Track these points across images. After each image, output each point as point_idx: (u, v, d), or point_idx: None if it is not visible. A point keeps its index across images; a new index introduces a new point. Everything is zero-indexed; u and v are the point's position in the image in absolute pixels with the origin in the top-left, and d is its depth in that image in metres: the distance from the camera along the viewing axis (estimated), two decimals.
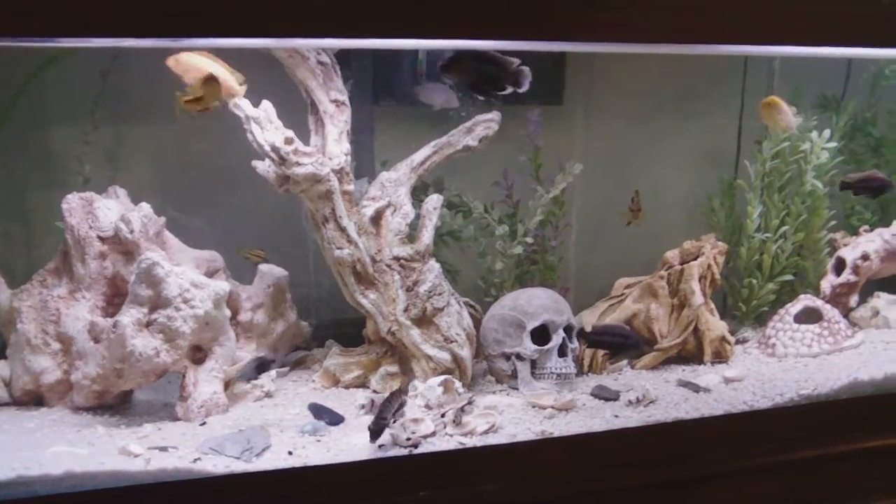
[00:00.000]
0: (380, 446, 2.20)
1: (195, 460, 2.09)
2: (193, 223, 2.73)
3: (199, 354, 2.45)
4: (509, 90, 2.31)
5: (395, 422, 2.23)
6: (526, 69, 2.29)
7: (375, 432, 2.17)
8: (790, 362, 2.93)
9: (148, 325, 2.33)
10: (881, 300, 3.31)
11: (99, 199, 2.52)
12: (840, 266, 3.31)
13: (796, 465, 2.57)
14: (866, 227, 3.41)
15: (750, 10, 2.21)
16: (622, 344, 2.83)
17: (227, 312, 2.48)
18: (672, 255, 3.00)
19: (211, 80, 2.31)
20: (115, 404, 2.47)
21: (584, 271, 3.25)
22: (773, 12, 2.23)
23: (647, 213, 3.30)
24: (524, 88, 2.30)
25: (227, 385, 2.50)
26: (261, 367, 2.49)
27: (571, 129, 3.20)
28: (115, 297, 2.49)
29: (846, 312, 3.28)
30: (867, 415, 2.67)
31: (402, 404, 2.28)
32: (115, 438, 2.23)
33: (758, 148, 3.24)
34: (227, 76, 2.38)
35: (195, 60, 2.34)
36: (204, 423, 2.35)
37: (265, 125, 2.42)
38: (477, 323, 2.77)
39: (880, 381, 2.70)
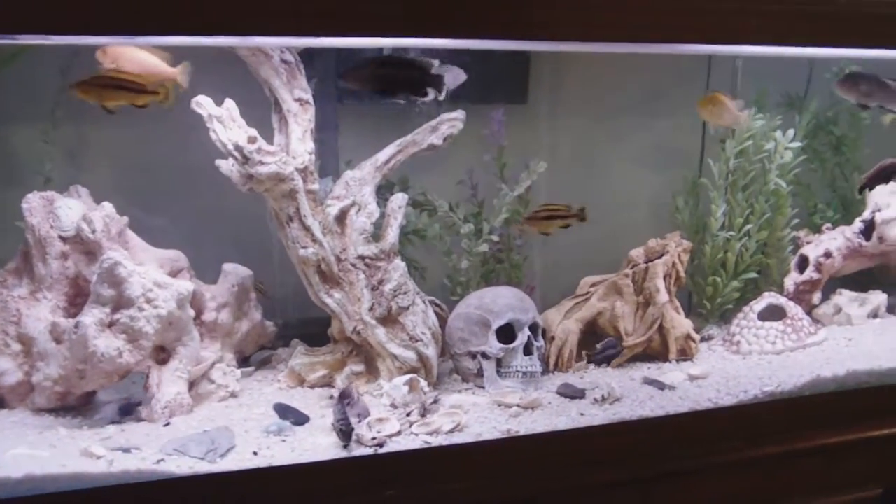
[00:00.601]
0: (344, 446, 2.20)
1: (159, 461, 2.08)
2: (157, 223, 2.71)
3: (162, 355, 2.43)
4: (432, 95, 2.27)
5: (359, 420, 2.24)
6: (450, 72, 2.25)
7: (346, 434, 2.19)
8: (754, 359, 2.95)
9: (110, 325, 2.31)
10: (843, 297, 3.34)
11: (60, 198, 2.49)
12: (803, 264, 3.34)
13: (761, 462, 2.59)
14: (829, 225, 3.45)
15: (715, 9, 2.23)
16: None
17: (191, 312, 2.47)
18: (637, 253, 3.00)
19: None
20: (77, 405, 2.44)
21: (549, 270, 3.25)
22: (738, 12, 2.25)
23: (614, 211, 3.31)
24: (452, 88, 2.25)
25: (192, 385, 2.48)
26: (125, 409, 2.42)
27: (536, 127, 3.20)
28: (78, 298, 2.47)
29: (809, 310, 3.31)
30: (830, 411, 2.70)
31: (349, 402, 2.30)
32: (77, 440, 2.20)
33: (721, 147, 3.26)
34: (158, 63, 2.36)
35: (124, 50, 2.31)
36: (168, 424, 2.33)
37: (228, 124, 2.41)
38: (443, 322, 2.77)
39: (842, 377, 2.74)
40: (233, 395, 2.56)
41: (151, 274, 2.39)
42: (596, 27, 2.16)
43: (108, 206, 2.47)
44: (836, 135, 3.58)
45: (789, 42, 2.38)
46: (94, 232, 2.41)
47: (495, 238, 2.97)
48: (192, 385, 2.48)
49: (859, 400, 2.74)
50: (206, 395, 2.52)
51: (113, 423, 2.34)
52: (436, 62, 2.24)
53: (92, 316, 2.29)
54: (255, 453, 2.16)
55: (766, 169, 3.25)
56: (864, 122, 3.56)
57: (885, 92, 2.73)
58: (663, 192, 3.41)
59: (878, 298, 3.34)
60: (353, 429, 2.20)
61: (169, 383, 2.39)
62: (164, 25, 1.88)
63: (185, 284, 2.44)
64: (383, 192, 2.78)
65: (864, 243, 3.33)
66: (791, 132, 3.23)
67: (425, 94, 2.26)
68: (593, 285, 3.01)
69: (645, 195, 3.44)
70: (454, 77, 2.53)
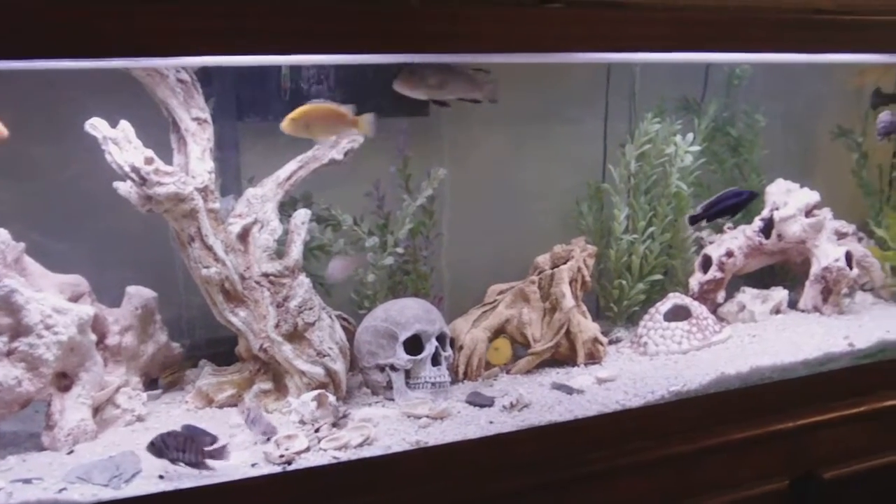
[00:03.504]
0: (253, 465, 2.20)
1: (61, 490, 2.05)
2: (58, 247, 2.66)
3: (65, 381, 2.39)
4: None
5: (176, 459, 2.17)
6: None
7: (155, 446, 2.15)
8: (661, 360, 3.00)
9: (9, 353, 2.27)
10: (746, 295, 3.41)
11: None
12: (706, 264, 3.41)
13: (670, 461, 2.64)
14: (730, 224, 3.52)
15: (611, 19, 2.27)
16: (738, 202, 3.10)
17: (93, 337, 2.43)
18: (543, 259, 3.03)
19: None
20: None
21: (458, 279, 3.26)
22: (637, 21, 2.30)
23: (520, 219, 3.33)
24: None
25: (96, 411, 2.45)
26: None
27: (439, 139, 3.22)
28: None
29: (714, 308, 3.38)
30: (735, 407, 2.76)
31: (198, 456, 2.18)
32: None
33: (621, 151, 3.31)
34: None
35: None
36: (72, 452, 2.30)
37: (124, 145, 2.37)
38: (351, 336, 2.76)
39: (746, 373, 2.80)
40: (139, 418, 2.52)
41: (50, 300, 2.35)
42: (491, 39, 2.18)
43: (2, 233, 2.42)
44: (733, 136, 3.65)
45: (685, 48, 2.44)
46: None
47: (400, 250, 2.97)
48: (96, 411, 2.44)
49: (763, 395, 2.80)
50: (111, 421, 2.48)
51: None
52: None
53: None
54: (161, 477, 2.13)
55: (668, 172, 3.31)
56: (760, 125, 3.63)
57: (460, 81, 2.60)
58: (569, 199, 3.44)
59: (780, 295, 3.42)
60: (162, 452, 2.15)
61: (72, 410, 2.35)
62: (58, 49, 1.86)
63: (86, 309, 2.41)
64: (286, 209, 2.76)
65: (765, 241, 3.41)
66: (690, 136, 3.29)
67: None
68: (501, 293, 3.03)
69: (551, 202, 3.47)
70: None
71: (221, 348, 2.80)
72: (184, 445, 2.15)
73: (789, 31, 2.51)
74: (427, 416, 2.48)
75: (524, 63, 3.16)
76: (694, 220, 3.18)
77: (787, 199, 3.43)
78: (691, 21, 2.37)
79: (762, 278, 3.59)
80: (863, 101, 3.74)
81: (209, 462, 2.18)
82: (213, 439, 2.23)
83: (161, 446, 2.14)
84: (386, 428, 2.43)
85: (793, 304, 3.46)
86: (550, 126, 3.45)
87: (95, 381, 2.42)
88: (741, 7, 2.43)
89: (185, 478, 2.13)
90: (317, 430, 2.36)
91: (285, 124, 2.51)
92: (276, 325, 2.56)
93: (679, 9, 2.33)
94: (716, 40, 2.44)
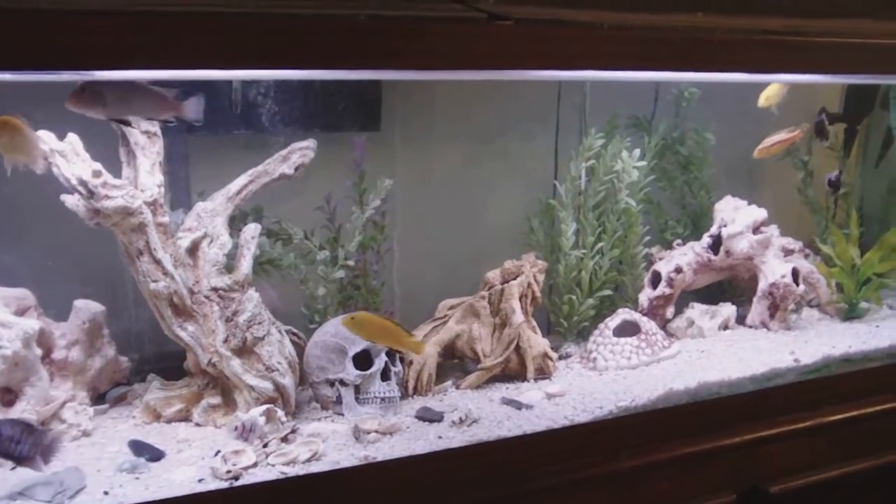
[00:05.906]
0: (199, 480, 2.18)
1: None
2: (3, 261, 2.63)
3: (8, 396, 2.37)
4: None
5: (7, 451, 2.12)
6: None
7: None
8: (610, 375, 3.01)
9: None
10: (695, 311, 3.44)
11: None
12: (656, 279, 3.43)
13: (618, 476, 2.65)
14: (679, 241, 3.55)
15: (562, 37, 2.28)
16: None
17: (38, 351, 2.41)
18: (493, 275, 3.04)
19: None
20: None
21: (409, 294, 3.26)
22: (577, 38, 2.31)
23: (471, 235, 3.34)
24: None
25: (42, 426, 2.42)
26: None
27: (391, 155, 3.21)
28: None
29: (663, 324, 3.40)
30: (683, 422, 2.78)
31: (33, 450, 2.13)
32: None
33: (567, 167, 3.32)
34: None
35: None
36: (15, 468, 2.26)
37: (71, 158, 2.36)
38: (301, 351, 2.76)
39: (694, 389, 2.83)
40: (85, 433, 2.49)
41: None
42: (441, 56, 2.19)
43: None
44: (683, 154, 3.69)
45: (634, 67, 2.46)
46: None
47: (351, 263, 2.97)
48: (42, 426, 2.42)
49: (711, 410, 2.83)
50: (56, 436, 2.45)
51: None
52: None
53: None
54: (105, 493, 2.12)
55: (617, 188, 3.33)
56: (709, 143, 3.67)
57: (146, 100, 2.34)
58: (520, 214, 3.45)
59: (728, 310, 3.46)
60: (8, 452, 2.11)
61: None
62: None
63: (31, 323, 2.38)
64: (237, 223, 2.75)
65: (713, 257, 3.45)
66: (637, 152, 3.31)
67: None
68: (451, 308, 3.04)
69: (502, 217, 3.48)
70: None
71: (170, 363, 2.78)
72: (21, 437, 2.10)
73: (738, 51, 2.53)
74: (376, 431, 2.48)
75: (477, 79, 3.17)
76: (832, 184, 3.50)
77: (734, 215, 3.47)
78: (641, 40, 2.38)
79: (711, 294, 3.63)
80: (810, 120, 3.80)
81: (40, 459, 2.14)
82: (52, 438, 2.20)
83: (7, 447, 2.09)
84: (334, 443, 2.43)
85: (741, 320, 3.50)
86: (503, 142, 3.46)
87: (40, 395, 2.40)
88: (690, 27, 2.45)
89: (132, 494, 2.11)
90: (265, 445, 2.36)
91: None
92: (225, 340, 2.55)
93: (629, 28, 2.35)
94: (665, 59, 2.46)
